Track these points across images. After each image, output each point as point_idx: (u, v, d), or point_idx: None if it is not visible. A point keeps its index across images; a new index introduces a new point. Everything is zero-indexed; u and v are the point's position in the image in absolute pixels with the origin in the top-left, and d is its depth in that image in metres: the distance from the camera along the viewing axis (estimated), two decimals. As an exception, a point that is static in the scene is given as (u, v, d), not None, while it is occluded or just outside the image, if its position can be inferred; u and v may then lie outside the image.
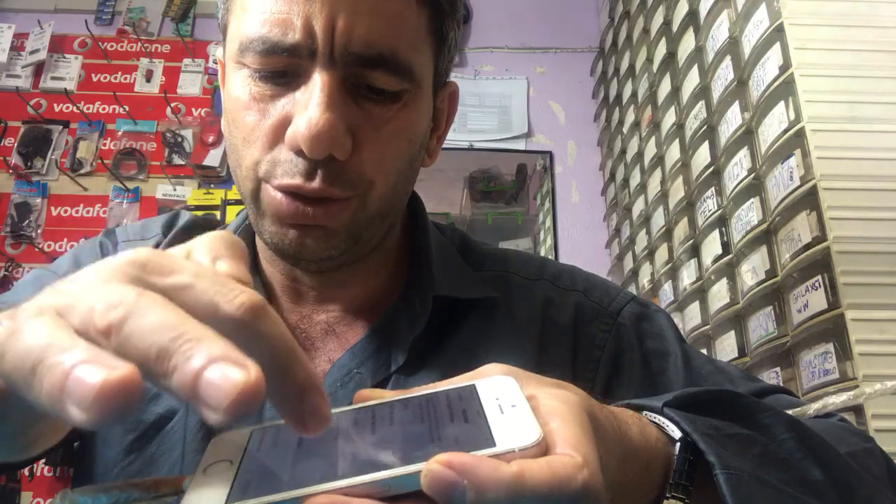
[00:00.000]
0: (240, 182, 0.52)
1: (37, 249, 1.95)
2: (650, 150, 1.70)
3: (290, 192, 0.49)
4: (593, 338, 0.59)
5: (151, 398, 0.53)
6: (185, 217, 0.66)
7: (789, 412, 0.46)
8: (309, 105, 0.46)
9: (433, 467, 0.26)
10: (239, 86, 0.50)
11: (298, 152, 0.47)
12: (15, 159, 2.05)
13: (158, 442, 0.52)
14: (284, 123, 0.48)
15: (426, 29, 0.52)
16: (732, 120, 1.22)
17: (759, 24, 1.12)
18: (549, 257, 2.04)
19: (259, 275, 0.60)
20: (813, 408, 0.46)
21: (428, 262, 0.58)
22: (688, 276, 1.42)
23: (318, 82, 0.47)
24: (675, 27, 1.52)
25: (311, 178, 0.48)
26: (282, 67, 0.48)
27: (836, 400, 0.45)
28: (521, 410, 0.31)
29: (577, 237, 2.12)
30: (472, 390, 0.33)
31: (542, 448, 0.28)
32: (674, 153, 1.53)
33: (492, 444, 0.29)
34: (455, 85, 0.62)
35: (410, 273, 0.60)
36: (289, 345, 0.28)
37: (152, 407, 0.53)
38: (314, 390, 0.28)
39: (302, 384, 0.28)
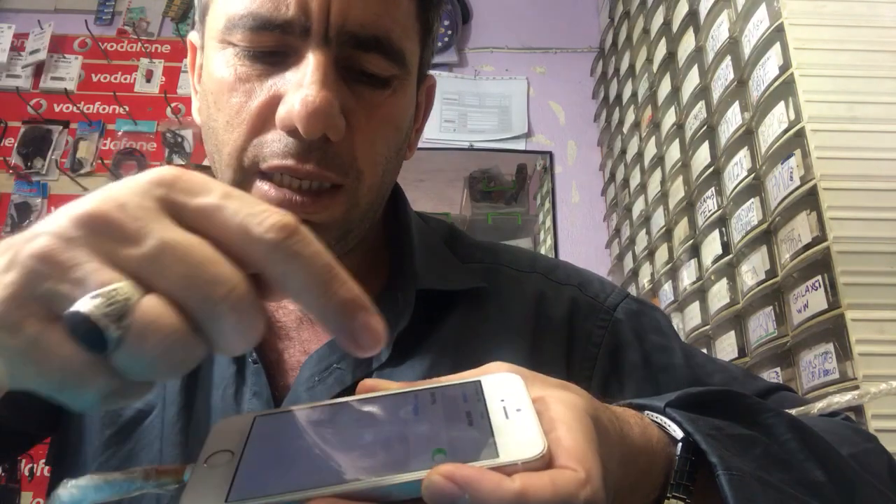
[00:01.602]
0: (220, 170, 0.49)
1: (37, 249, 1.95)
2: (650, 150, 1.70)
3: (280, 172, 0.47)
4: (589, 334, 0.58)
5: None
6: None
7: (793, 412, 0.46)
8: (304, 83, 0.45)
9: (435, 479, 0.26)
10: (223, 65, 0.48)
11: (291, 132, 0.46)
12: (15, 159, 2.05)
13: (136, 438, 0.51)
14: (272, 104, 0.46)
15: (415, 16, 0.52)
16: (732, 120, 1.22)
17: (759, 24, 1.12)
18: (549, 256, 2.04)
19: None
20: (817, 407, 0.46)
21: (410, 254, 0.57)
22: (688, 276, 1.42)
23: (312, 61, 0.45)
24: (675, 27, 1.52)
25: (305, 161, 0.46)
26: (272, 45, 0.47)
27: (840, 399, 0.45)
28: (525, 416, 0.30)
29: (577, 237, 2.12)
30: (477, 388, 0.33)
31: (546, 461, 0.28)
32: (674, 153, 1.53)
33: (495, 453, 0.28)
34: (433, 78, 0.61)
35: (393, 265, 0.58)
36: (326, 262, 0.27)
37: None
38: (361, 307, 0.28)
39: (346, 302, 0.27)
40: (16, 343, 0.25)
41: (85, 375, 0.25)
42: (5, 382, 0.26)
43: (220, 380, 0.52)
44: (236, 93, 0.47)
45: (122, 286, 0.25)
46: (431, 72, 0.60)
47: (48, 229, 0.26)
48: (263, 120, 0.47)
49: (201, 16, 0.52)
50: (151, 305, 0.25)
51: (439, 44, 2.26)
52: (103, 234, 0.26)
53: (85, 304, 0.24)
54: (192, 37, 0.56)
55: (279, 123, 0.46)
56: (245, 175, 0.48)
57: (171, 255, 0.26)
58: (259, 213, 0.27)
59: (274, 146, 0.47)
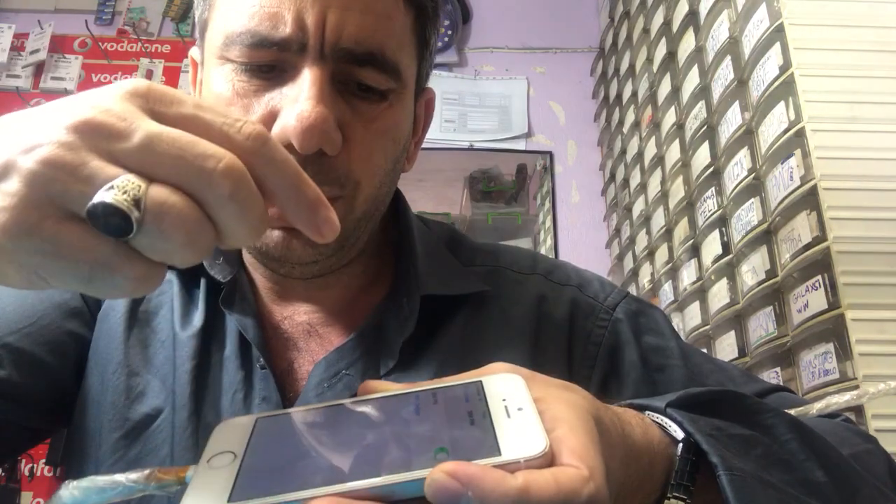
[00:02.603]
0: None
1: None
2: (650, 150, 1.70)
3: None
4: (589, 333, 0.59)
5: (136, 397, 0.53)
6: None
7: (792, 412, 0.46)
8: (299, 98, 0.45)
9: (437, 476, 0.26)
10: (221, 81, 0.49)
11: (287, 147, 0.46)
12: (15, 159, 2.05)
13: (144, 441, 0.51)
14: (270, 118, 0.47)
15: (411, 31, 0.52)
16: (732, 120, 1.22)
17: (759, 24, 1.12)
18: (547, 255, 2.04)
19: (244, 274, 0.59)
20: (816, 407, 0.46)
21: (413, 260, 0.57)
22: (688, 276, 1.42)
23: (308, 76, 0.46)
24: (675, 27, 1.52)
25: None
26: (269, 61, 0.47)
27: (839, 399, 0.45)
28: (527, 415, 0.30)
29: (577, 237, 2.12)
30: (478, 388, 0.33)
31: (548, 458, 0.28)
32: (674, 153, 1.53)
33: (497, 452, 0.28)
34: (432, 92, 0.62)
35: (396, 272, 0.59)
36: (295, 167, 0.31)
37: (137, 406, 0.52)
38: (324, 204, 0.32)
39: (313, 199, 0.31)
40: (39, 244, 0.27)
41: (113, 261, 0.28)
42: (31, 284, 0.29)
43: (229, 385, 0.52)
44: (233, 108, 0.48)
45: (130, 177, 0.27)
46: (432, 71, 0.61)
47: (45, 139, 0.28)
48: None
49: (201, 32, 0.53)
50: (159, 189, 0.28)
51: (439, 44, 2.27)
52: (97, 136, 0.28)
53: (104, 196, 0.27)
54: (194, 53, 0.57)
55: (275, 139, 0.46)
56: None
57: (160, 143, 0.28)
58: (234, 121, 0.30)
59: None
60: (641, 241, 1.76)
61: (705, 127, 1.34)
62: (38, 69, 2.18)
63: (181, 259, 0.29)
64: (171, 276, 0.58)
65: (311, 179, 0.32)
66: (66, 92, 2.11)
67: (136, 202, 0.27)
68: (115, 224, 0.27)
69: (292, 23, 0.46)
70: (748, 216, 1.16)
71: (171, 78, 2.21)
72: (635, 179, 1.81)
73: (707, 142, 1.33)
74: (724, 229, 1.26)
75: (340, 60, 0.47)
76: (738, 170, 1.20)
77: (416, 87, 0.56)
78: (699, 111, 1.38)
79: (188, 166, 0.28)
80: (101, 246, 0.27)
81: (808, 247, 0.98)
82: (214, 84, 0.49)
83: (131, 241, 0.28)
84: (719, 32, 1.27)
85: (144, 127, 0.28)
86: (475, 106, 2.27)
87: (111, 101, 0.29)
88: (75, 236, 0.27)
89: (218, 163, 0.28)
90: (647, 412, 0.41)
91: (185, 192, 0.28)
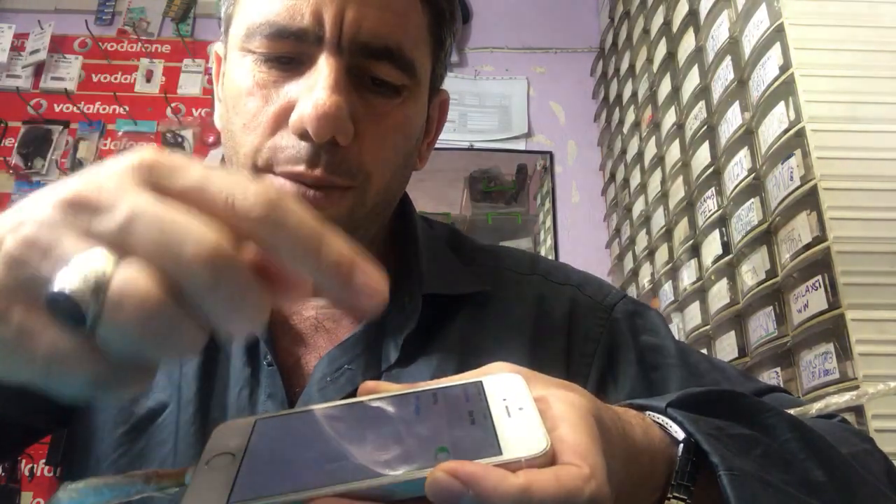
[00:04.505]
0: (237, 170, 0.52)
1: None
2: (650, 150, 1.70)
3: (291, 178, 0.49)
4: (588, 332, 0.59)
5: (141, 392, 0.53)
6: None
7: (791, 412, 0.46)
8: (316, 87, 0.47)
9: (438, 476, 0.26)
10: (243, 72, 0.50)
11: (302, 135, 0.48)
12: (15, 160, 2.05)
13: (149, 436, 0.51)
14: (287, 109, 0.49)
15: (427, 30, 0.53)
16: (732, 120, 1.22)
17: (759, 24, 1.12)
18: (549, 257, 2.04)
19: None
20: (815, 407, 0.46)
21: (417, 259, 0.58)
22: (688, 276, 1.42)
23: (324, 67, 0.47)
24: (675, 27, 1.52)
25: (314, 166, 0.48)
26: (288, 52, 0.49)
27: (838, 400, 0.45)
28: (528, 414, 0.30)
29: (577, 237, 2.12)
30: (478, 388, 0.33)
31: (550, 457, 0.28)
32: (674, 153, 1.53)
33: (498, 451, 0.28)
34: (446, 93, 0.62)
35: (400, 270, 0.59)
36: (313, 228, 0.27)
37: (142, 400, 0.53)
38: (355, 268, 0.28)
39: (339, 265, 0.27)
40: (4, 332, 0.25)
41: (70, 359, 0.24)
42: None
43: (235, 382, 0.53)
44: (253, 97, 0.50)
45: (96, 257, 0.24)
46: (446, 73, 0.62)
47: (31, 216, 0.26)
48: (278, 124, 0.49)
49: (225, 27, 0.55)
50: (126, 271, 0.24)
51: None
52: (80, 211, 0.25)
53: (61, 280, 0.24)
54: (217, 47, 0.59)
55: (292, 127, 0.48)
56: (259, 174, 0.50)
57: (142, 219, 0.25)
58: (242, 188, 0.27)
59: (287, 152, 0.49)
60: (641, 241, 1.76)
61: (705, 127, 1.34)
62: (38, 69, 2.18)
63: (148, 355, 0.25)
64: None
65: (336, 238, 0.27)
66: (65, 92, 2.11)
67: (97, 288, 0.23)
68: (68, 314, 0.24)
69: (310, 15, 0.47)
70: (748, 216, 1.16)
71: (171, 78, 2.21)
72: (635, 179, 1.81)
73: (707, 142, 1.33)
74: (724, 229, 1.26)
75: (357, 54, 0.48)
76: (738, 170, 1.20)
77: (430, 87, 0.57)
78: (699, 111, 1.38)
79: (165, 249, 0.24)
80: (60, 339, 0.24)
81: (808, 247, 0.98)
82: (236, 75, 0.51)
83: (91, 332, 0.24)
84: (719, 32, 1.27)
85: (130, 202, 0.25)
86: (475, 106, 2.27)
87: (110, 174, 0.27)
88: (38, 326, 0.24)
89: (199, 248, 0.24)
90: (648, 412, 0.41)
91: (162, 274, 0.25)
